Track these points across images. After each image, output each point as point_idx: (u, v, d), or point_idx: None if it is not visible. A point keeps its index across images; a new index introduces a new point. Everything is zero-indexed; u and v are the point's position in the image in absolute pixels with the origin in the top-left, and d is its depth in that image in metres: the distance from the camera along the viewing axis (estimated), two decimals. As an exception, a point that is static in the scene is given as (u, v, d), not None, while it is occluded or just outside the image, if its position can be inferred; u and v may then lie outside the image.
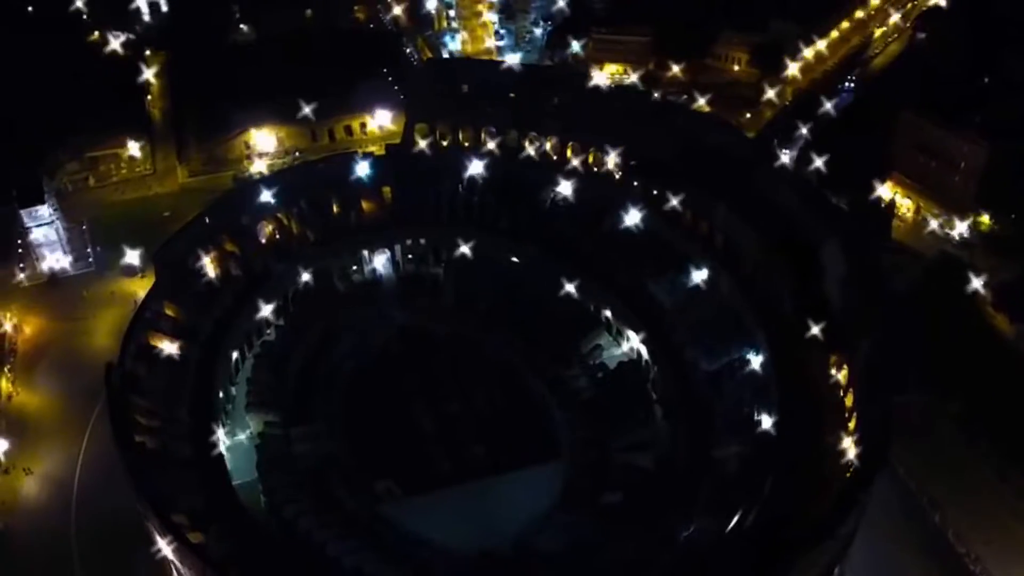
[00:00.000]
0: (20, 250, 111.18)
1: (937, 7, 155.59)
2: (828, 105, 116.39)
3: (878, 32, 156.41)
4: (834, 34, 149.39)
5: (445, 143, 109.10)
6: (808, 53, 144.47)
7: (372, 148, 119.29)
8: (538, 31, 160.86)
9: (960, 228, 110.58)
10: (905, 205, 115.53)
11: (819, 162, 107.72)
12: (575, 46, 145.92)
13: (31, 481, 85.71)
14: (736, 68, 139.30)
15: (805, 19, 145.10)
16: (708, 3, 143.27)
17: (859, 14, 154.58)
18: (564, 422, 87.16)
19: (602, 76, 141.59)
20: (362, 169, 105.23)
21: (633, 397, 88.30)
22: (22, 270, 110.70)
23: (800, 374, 78.60)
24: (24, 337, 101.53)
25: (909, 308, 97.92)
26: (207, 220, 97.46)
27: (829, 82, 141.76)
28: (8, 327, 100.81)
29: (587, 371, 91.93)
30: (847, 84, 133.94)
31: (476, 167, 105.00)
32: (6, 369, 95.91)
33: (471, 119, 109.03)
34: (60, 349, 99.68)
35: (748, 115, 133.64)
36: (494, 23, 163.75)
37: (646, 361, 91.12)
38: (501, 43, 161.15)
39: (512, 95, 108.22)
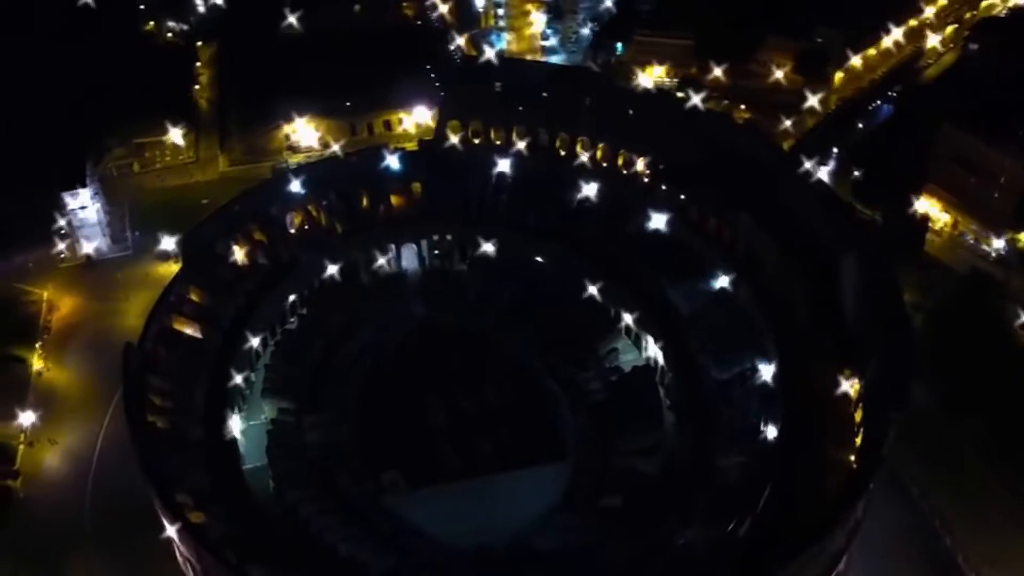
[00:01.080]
0: (62, 231, 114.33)
1: (994, 17, 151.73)
2: (860, 125, 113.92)
3: (932, 42, 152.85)
4: (885, 43, 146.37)
5: (477, 141, 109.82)
6: (856, 61, 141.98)
7: (409, 144, 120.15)
8: (585, 32, 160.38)
9: (997, 245, 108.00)
10: (942, 219, 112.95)
11: (856, 173, 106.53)
12: (618, 48, 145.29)
13: (53, 454, 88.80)
14: (780, 74, 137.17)
15: (854, 26, 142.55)
16: (754, 8, 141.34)
17: (912, 23, 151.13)
18: (574, 424, 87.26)
19: (645, 79, 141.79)
20: (393, 163, 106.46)
21: (645, 402, 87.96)
22: (62, 251, 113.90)
23: (809, 387, 77.74)
24: (59, 316, 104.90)
25: (934, 325, 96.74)
26: (236, 208, 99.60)
27: (876, 92, 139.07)
28: (43, 306, 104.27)
29: (602, 374, 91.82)
30: (888, 97, 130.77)
31: (506, 165, 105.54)
32: (38, 345, 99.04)
33: (503, 118, 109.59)
34: (91, 329, 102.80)
35: (788, 122, 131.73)
36: (542, 23, 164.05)
37: (661, 367, 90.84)
38: (547, 43, 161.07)
39: (544, 95, 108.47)
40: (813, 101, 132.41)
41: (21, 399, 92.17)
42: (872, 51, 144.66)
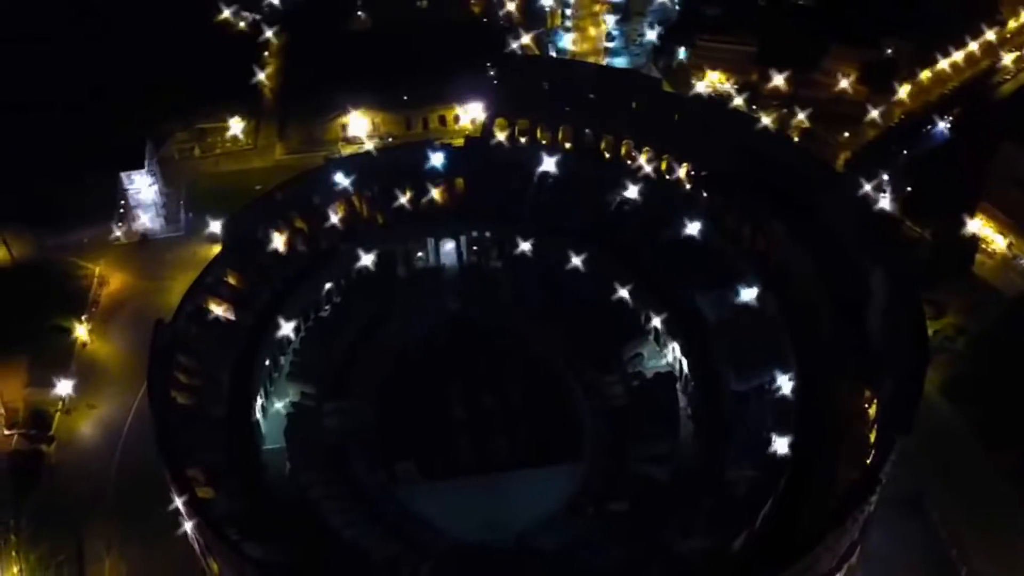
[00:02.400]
0: (119, 210, 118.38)
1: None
2: (908, 150, 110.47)
3: (1009, 57, 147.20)
4: (956, 56, 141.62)
5: (523, 139, 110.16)
6: (924, 74, 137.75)
7: (461, 140, 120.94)
8: (651, 35, 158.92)
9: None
10: (996, 241, 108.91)
11: (908, 189, 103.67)
12: (680, 52, 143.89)
13: (86, 423, 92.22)
14: (843, 84, 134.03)
15: (926, 37, 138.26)
16: (820, 17, 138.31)
17: (989, 36, 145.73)
18: (592, 426, 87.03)
19: (703, 85, 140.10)
20: (437, 159, 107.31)
21: (664, 409, 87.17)
22: (119, 228, 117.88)
23: (827, 404, 76.24)
24: (108, 291, 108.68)
25: (977, 349, 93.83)
26: (279, 196, 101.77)
27: (942, 107, 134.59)
28: (94, 281, 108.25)
29: (624, 378, 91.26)
30: (944, 120, 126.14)
31: (549, 165, 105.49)
32: (84, 318, 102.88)
33: (549, 117, 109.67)
34: (137, 305, 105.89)
35: (847, 134, 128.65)
36: (609, 24, 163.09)
37: (685, 375, 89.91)
38: (611, 44, 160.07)
39: (591, 96, 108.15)
40: (875, 114, 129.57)
41: (63, 369, 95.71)
42: (942, 64, 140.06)
